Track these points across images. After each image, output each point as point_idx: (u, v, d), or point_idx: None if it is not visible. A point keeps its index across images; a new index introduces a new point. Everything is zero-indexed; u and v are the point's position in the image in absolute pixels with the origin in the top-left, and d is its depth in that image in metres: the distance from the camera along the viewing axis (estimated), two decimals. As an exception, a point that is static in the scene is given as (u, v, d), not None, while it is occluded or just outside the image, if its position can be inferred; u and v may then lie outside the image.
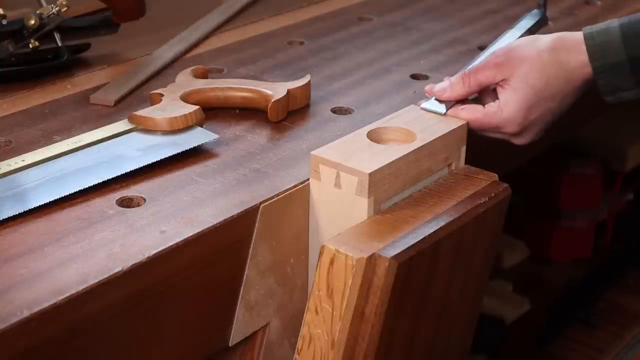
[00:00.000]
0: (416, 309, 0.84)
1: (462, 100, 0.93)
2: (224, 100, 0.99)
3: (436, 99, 0.93)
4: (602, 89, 0.91)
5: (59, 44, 1.10)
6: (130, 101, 1.01)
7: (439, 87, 0.93)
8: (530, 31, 1.04)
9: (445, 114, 0.91)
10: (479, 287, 0.95)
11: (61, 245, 0.73)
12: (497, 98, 0.92)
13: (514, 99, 0.91)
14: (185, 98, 0.96)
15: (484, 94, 0.95)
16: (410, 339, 0.86)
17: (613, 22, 0.90)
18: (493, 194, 0.86)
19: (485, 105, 0.92)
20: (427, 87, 0.96)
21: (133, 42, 1.18)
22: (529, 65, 0.91)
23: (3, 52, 1.05)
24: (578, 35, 0.91)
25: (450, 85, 0.93)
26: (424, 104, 0.93)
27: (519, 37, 1.01)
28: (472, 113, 0.91)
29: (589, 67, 0.90)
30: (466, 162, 0.91)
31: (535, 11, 1.09)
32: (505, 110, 0.91)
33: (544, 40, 0.93)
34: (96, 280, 0.69)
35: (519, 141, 0.94)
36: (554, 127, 0.97)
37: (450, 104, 0.92)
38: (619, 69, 0.89)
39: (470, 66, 0.95)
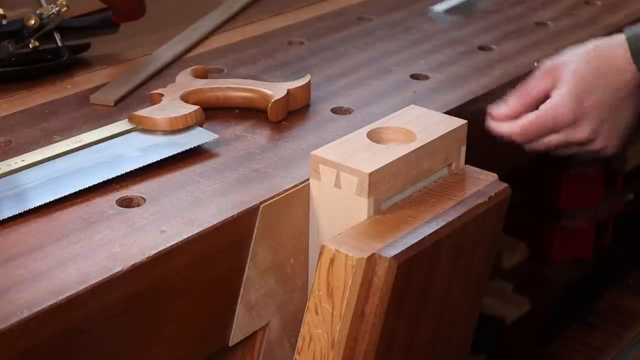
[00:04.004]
0: (416, 309, 0.84)
1: None
2: (224, 100, 0.99)
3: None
4: None
5: (59, 44, 1.10)
6: (130, 101, 1.01)
7: (505, 126, 0.95)
8: None
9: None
10: (479, 287, 0.95)
11: (61, 245, 0.73)
12: None
13: (565, 88, 0.91)
14: (185, 98, 0.96)
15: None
16: (410, 339, 0.86)
17: None
18: (493, 194, 0.86)
19: None
20: (496, 113, 0.97)
21: (133, 42, 1.18)
22: (575, 63, 0.92)
23: (3, 52, 1.05)
24: (618, 38, 0.93)
25: (510, 107, 0.94)
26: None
27: None
28: (523, 119, 0.92)
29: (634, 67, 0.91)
30: (466, 162, 0.91)
31: None
32: (555, 100, 0.91)
33: (582, 46, 0.94)
34: (96, 280, 0.69)
35: (578, 134, 0.93)
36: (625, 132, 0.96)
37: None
38: None
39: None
